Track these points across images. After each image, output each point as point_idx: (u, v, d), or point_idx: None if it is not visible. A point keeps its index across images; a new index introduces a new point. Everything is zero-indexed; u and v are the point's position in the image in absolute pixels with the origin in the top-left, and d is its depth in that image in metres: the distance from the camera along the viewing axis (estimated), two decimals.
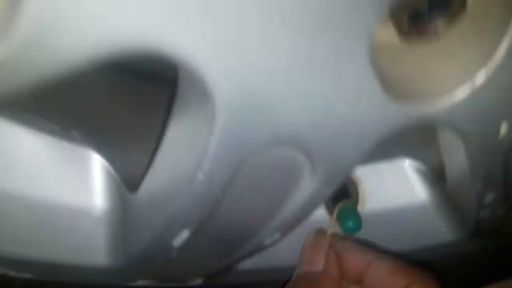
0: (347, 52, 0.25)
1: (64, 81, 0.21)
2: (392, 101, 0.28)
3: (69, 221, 0.38)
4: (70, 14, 0.19)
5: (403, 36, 0.29)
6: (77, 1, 0.19)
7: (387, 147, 0.31)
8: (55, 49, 0.20)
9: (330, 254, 0.41)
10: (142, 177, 0.37)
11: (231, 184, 0.32)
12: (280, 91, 0.26)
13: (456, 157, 0.37)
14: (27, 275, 0.37)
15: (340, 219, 0.45)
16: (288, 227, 0.40)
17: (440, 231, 0.50)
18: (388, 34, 0.30)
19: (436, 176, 0.49)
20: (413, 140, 0.47)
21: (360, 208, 0.49)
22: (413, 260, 0.40)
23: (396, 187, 0.50)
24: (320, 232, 0.44)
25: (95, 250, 0.38)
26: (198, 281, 0.45)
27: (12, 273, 0.36)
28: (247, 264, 0.45)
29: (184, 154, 0.31)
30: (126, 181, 0.39)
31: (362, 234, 0.45)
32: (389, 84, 0.28)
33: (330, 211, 0.47)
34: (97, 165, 0.38)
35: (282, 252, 0.43)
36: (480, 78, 0.28)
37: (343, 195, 0.47)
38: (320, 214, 0.47)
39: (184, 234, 0.35)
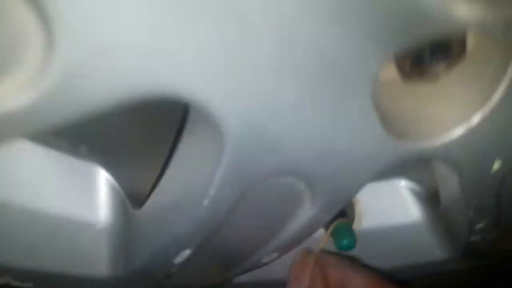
0: (350, 95, 0.26)
1: None
2: (391, 138, 0.29)
3: (73, 233, 0.38)
4: (98, 64, 0.21)
5: (404, 76, 0.30)
6: (105, 52, 0.20)
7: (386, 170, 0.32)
8: (81, 96, 0.21)
9: (316, 271, 0.43)
10: (147, 195, 0.38)
11: (233, 209, 0.33)
12: (286, 129, 0.27)
13: (450, 186, 0.39)
14: (29, 285, 0.37)
15: (336, 236, 0.46)
16: (286, 249, 0.41)
17: (432, 250, 0.51)
18: (390, 73, 0.31)
19: (430, 197, 0.50)
20: (410, 163, 0.48)
21: (356, 225, 0.50)
22: (395, 277, 0.41)
23: (392, 206, 0.50)
24: (306, 250, 0.45)
25: (97, 262, 0.39)
26: None
27: (15, 283, 0.37)
28: (244, 277, 0.46)
29: (190, 180, 0.32)
30: (131, 197, 0.40)
31: (357, 250, 0.46)
32: (389, 122, 0.29)
33: (327, 228, 0.48)
34: (102, 180, 0.39)
35: (278, 266, 0.44)
36: (476, 118, 0.29)
37: (340, 213, 0.48)
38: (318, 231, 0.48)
39: (186, 253, 0.36)
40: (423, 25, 0.23)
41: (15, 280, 0.37)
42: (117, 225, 0.39)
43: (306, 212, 0.36)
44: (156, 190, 0.36)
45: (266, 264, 0.42)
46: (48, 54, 0.20)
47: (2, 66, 0.20)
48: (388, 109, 0.30)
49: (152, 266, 0.38)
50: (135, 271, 0.39)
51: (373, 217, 0.50)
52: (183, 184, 0.33)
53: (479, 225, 0.41)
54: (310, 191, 0.33)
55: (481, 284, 0.60)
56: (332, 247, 0.46)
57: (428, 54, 0.29)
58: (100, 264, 0.39)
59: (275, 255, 0.41)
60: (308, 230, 0.39)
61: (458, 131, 0.30)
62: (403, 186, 0.51)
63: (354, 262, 0.44)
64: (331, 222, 0.46)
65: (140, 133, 0.40)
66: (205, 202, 0.30)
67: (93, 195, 0.39)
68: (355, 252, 0.46)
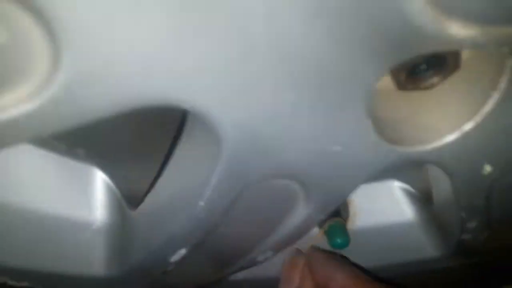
0: (347, 103, 0.27)
1: None
2: (384, 143, 0.30)
3: (70, 233, 0.38)
4: (100, 75, 0.21)
5: (400, 87, 0.31)
6: (107, 64, 0.21)
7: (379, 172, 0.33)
8: (83, 104, 0.22)
9: (305, 272, 0.44)
10: (143, 195, 0.38)
11: (229, 210, 0.33)
12: (281, 136, 0.28)
13: (442, 187, 0.39)
14: (26, 284, 0.38)
15: (329, 235, 0.47)
16: (281, 247, 0.41)
17: (425, 248, 0.51)
18: (384, 81, 0.31)
19: (423, 198, 0.51)
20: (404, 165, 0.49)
21: (350, 225, 0.50)
22: (387, 275, 0.42)
23: (385, 206, 0.51)
24: (297, 251, 0.46)
25: (94, 261, 0.39)
26: None
27: (12, 282, 0.37)
28: (240, 275, 0.46)
29: (187, 181, 0.32)
30: (127, 197, 0.40)
31: (352, 249, 0.47)
32: (383, 128, 0.29)
33: (321, 227, 0.49)
34: (99, 181, 0.39)
35: (274, 264, 0.45)
36: (468, 126, 0.30)
37: (334, 213, 0.48)
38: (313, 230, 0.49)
39: (181, 252, 0.37)
40: (418, 42, 0.24)
41: (12, 279, 0.37)
42: (113, 225, 0.40)
43: (300, 212, 0.36)
44: (153, 191, 0.37)
45: (261, 262, 0.43)
46: (54, 67, 0.20)
47: (9, 77, 0.21)
48: (383, 116, 0.31)
49: (148, 265, 0.38)
50: (132, 270, 0.39)
51: (367, 217, 0.51)
52: (179, 185, 0.34)
53: (471, 225, 0.42)
54: (305, 193, 0.34)
55: (472, 281, 0.60)
56: (326, 246, 0.46)
57: (423, 66, 0.30)
58: (96, 263, 0.40)
59: (270, 253, 0.41)
60: (303, 230, 0.39)
61: (450, 138, 0.31)
62: (396, 186, 0.52)
63: (344, 260, 0.44)
64: (325, 221, 0.47)
65: (137, 135, 0.40)
66: (201, 203, 0.31)
67: (90, 195, 0.39)
68: (349, 250, 0.47)
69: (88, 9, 0.19)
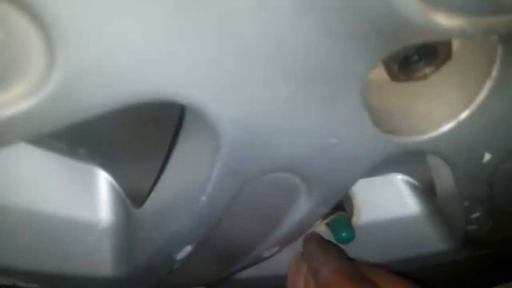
0: (341, 95, 0.27)
1: None
2: (382, 134, 0.30)
3: (75, 234, 0.39)
4: (96, 72, 0.22)
5: (393, 78, 0.31)
6: (103, 61, 0.21)
7: (380, 165, 0.33)
8: (79, 102, 0.22)
9: (308, 276, 0.43)
10: (147, 194, 0.38)
11: (232, 205, 0.34)
12: (279, 129, 0.28)
13: (444, 178, 0.39)
14: (34, 286, 0.38)
15: (334, 230, 0.47)
16: (286, 242, 0.42)
17: (430, 241, 0.51)
18: (379, 72, 0.32)
19: (426, 190, 0.51)
20: (405, 157, 0.49)
21: (355, 220, 0.50)
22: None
23: (389, 200, 0.51)
24: (300, 257, 0.45)
25: (100, 262, 0.40)
26: None
27: (21, 284, 0.37)
28: (248, 272, 0.46)
29: (188, 178, 0.33)
30: (131, 196, 0.40)
31: (357, 244, 0.47)
32: (380, 119, 0.30)
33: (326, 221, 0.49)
34: (102, 181, 0.40)
35: (281, 261, 0.45)
36: (464, 115, 0.30)
37: (338, 208, 0.48)
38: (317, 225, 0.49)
39: (187, 249, 0.37)
40: (406, 33, 0.24)
41: (20, 281, 0.37)
42: (118, 225, 0.40)
43: (303, 206, 0.36)
44: (156, 189, 0.37)
45: (267, 258, 0.43)
46: (49, 65, 0.21)
47: (6, 76, 0.21)
48: (379, 107, 0.31)
49: (155, 263, 0.38)
50: (138, 269, 0.39)
51: (372, 211, 0.51)
52: (181, 182, 0.34)
53: (475, 215, 0.42)
54: (306, 186, 0.34)
55: (478, 275, 0.60)
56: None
57: (415, 57, 0.30)
58: (104, 263, 0.40)
59: (275, 249, 0.42)
60: (307, 223, 0.39)
61: (446, 127, 0.31)
62: (399, 180, 0.52)
63: (335, 252, 0.43)
64: (329, 215, 0.47)
65: (138, 134, 0.40)
66: (203, 198, 0.31)
67: (94, 196, 0.40)
68: (355, 246, 0.47)
69: (81, 7, 0.20)
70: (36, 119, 0.22)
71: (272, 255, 0.43)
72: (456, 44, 0.30)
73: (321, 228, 0.49)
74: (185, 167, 0.33)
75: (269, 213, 0.38)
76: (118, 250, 0.40)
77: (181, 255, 0.37)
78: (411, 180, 0.51)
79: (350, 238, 0.46)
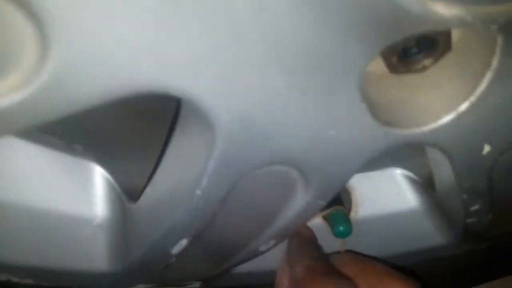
0: (338, 87, 0.26)
1: None
2: (380, 126, 0.30)
3: (71, 229, 0.39)
4: (89, 63, 0.21)
5: (392, 70, 0.31)
6: (96, 52, 0.21)
7: (378, 159, 0.33)
8: (73, 93, 0.22)
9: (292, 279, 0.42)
10: (142, 188, 0.38)
11: (228, 198, 0.33)
12: (276, 121, 0.28)
13: (443, 171, 0.39)
14: (29, 281, 0.38)
15: (332, 224, 0.47)
16: (283, 236, 0.41)
17: (430, 235, 0.51)
18: (377, 64, 0.31)
19: (425, 184, 0.50)
20: (404, 151, 0.49)
21: (353, 214, 0.50)
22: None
23: (388, 194, 0.51)
24: (283, 261, 0.45)
25: (96, 257, 0.40)
26: (196, 285, 0.46)
27: (15, 279, 0.37)
28: (245, 267, 0.46)
29: (183, 171, 0.32)
30: (127, 191, 0.40)
31: (356, 239, 0.46)
32: (378, 110, 0.29)
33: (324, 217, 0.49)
34: (98, 176, 0.40)
35: (278, 255, 0.45)
36: (464, 106, 0.30)
37: (336, 202, 0.48)
38: (315, 220, 0.49)
39: (183, 243, 0.37)
40: (405, 23, 0.24)
41: (14, 276, 0.37)
42: (114, 220, 0.40)
43: (300, 199, 0.36)
44: (151, 183, 0.37)
45: (264, 252, 0.43)
46: (42, 56, 0.20)
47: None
48: (378, 99, 0.31)
49: (151, 258, 0.38)
50: (134, 264, 0.39)
51: (370, 206, 0.51)
52: (176, 176, 0.34)
53: (474, 207, 0.42)
54: (303, 179, 0.34)
55: (478, 269, 0.60)
56: (329, 235, 0.46)
57: (414, 49, 0.30)
58: (99, 259, 0.40)
59: (272, 242, 0.41)
60: (304, 217, 0.39)
61: (446, 119, 0.31)
62: (398, 174, 0.51)
63: (313, 249, 0.43)
64: (326, 209, 0.47)
65: (134, 129, 0.40)
66: (198, 192, 0.31)
67: (89, 191, 0.39)
68: (353, 241, 0.47)
69: None
70: (30, 110, 0.22)
71: (269, 249, 0.42)
72: (455, 35, 0.30)
73: (319, 222, 0.49)
74: (180, 161, 0.33)
75: (265, 206, 0.37)
76: (114, 245, 0.40)
77: (176, 249, 0.37)
78: (410, 174, 0.51)
79: (347, 232, 0.46)
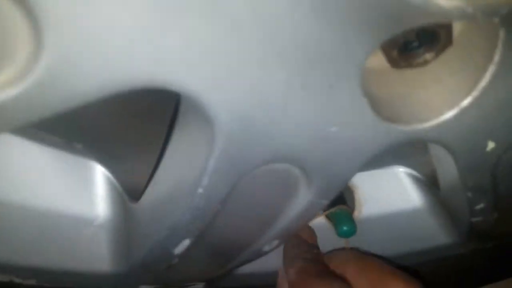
0: (339, 82, 0.26)
1: None
2: (382, 122, 0.29)
3: (72, 229, 0.39)
4: (85, 57, 0.21)
5: (393, 64, 0.31)
6: (91, 46, 0.21)
7: (382, 157, 0.33)
8: (69, 88, 0.22)
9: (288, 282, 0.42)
10: (143, 188, 0.38)
11: (229, 197, 0.33)
12: (276, 117, 0.27)
13: (447, 169, 0.39)
14: (32, 282, 0.38)
15: (335, 223, 0.46)
16: (286, 236, 0.41)
17: (435, 234, 0.51)
18: (378, 59, 0.31)
19: (429, 183, 0.50)
20: (407, 149, 0.48)
21: (356, 213, 0.50)
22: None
23: (391, 193, 0.51)
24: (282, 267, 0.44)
25: (98, 257, 0.40)
26: (199, 286, 0.46)
27: (17, 280, 0.37)
28: (248, 268, 0.46)
29: (184, 170, 0.32)
30: (128, 190, 0.40)
31: (360, 238, 0.46)
32: (380, 107, 0.29)
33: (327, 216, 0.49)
34: (99, 175, 0.40)
35: (281, 256, 0.44)
36: (466, 102, 0.30)
37: (340, 201, 0.48)
38: (318, 219, 0.48)
39: (185, 243, 0.36)
40: (406, 15, 0.23)
41: (17, 277, 0.37)
42: (116, 220, 0.40)
43: (303, 198, 0.36)
44: (152, 182, 0.37)
45: (267, 252, 0.42)
46: (37, 50, 0.20)
47: None
48: (379, 94, 0.30)
49: (153, 258, 0.38)
50: (136, 264, 0.39)
51: (374, 205, 0.50)
52: (177, 175, 0.34)
53: (479, 206, 0.41)
54: (305, 177, 0.34)
55: (484, 269, 0.60)
56: (334, 235, 0.46)
57: (415, 43, 0.30)
58: (101, 259, 0.40)
59: (275, 242, 0.41)
60: (307, 216, 0.39)
61: (448, 115, 0.31)
62: (402, 172, 0.51)
63: (306, 250, 0.42)
64: (330, 209, 0.47)
65: (134, 127, 0.40)
66: (200, 190, 0.31)
67: (90, 190, 0.39)
68: (358, 240, 0.46)
69: None
70: (25, 106, 0.22)
71: (272, 249, 0.42)
72: (456, 29, 0.30)
73: (322, 222, 0.48)
74: (181, 159, 0.33)
75: (268, 205, 0.37)
76: (116, 245, 0.40)
77: (179, 249, 0.37)
78: (414, 172, 0.51)
79: (351, 232, 0.45)
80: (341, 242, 0.46)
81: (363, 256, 0.41)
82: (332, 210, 0.46)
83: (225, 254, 0.43)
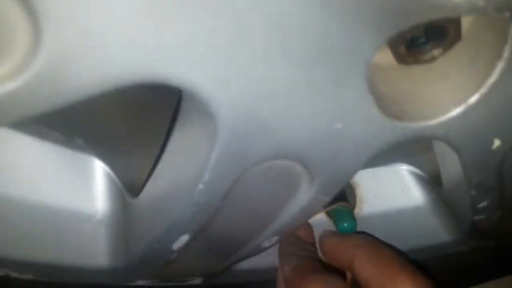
0: (345, 78, 0.26)
1: None
2: (388, 119, 0.29)
3: (71, 224, 0.38)
4: (84, 51, 0.21)
5: (400, 60, 0.30)
6: (91, 40, 0.20)
7: (384, 154, 0.32)
8: (68, 82, 0.21)
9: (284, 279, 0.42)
10: (143, 183, 0.38)
11: (230, 193, 0.33)
12: (280, 113, 0.27)
13: (451, 166, 0.38)
14: (29, 276, 0.38)
15: (336, 220, 0.46)
16: (286, 232, 0.41)
17: (437, 232, 0.51)
18: (385, 56, 0.30)
19: (432, 180, 0.50)
20: (410, 147, 0.48)
21: (357, 210, 0.50)
22: None
23: (393, 191, 0.50)
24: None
25: (96, 252, 0.39)
26: (198, 281, 0.46)
27: (14, 274, 0.37)
28: (247, 263, 0.46)
29: (185, 165, 0.32)
30: (128, 186, 0.40)
31: None
32: (385, 103, 0.28)
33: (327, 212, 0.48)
34: (99, 171, 0.39)
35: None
36: (474, 98, 0.29)
37: (340, 198, 0.47)
38: (319, 216, 0.48)
39: (184, 238, 0.36)
40: (414, 9, 0.23)
41: (13, 272, 0.37)
42: (115, 215, 0.40)
43: (304, 195, 0.35)
44: (152, 178, 0.36)
45: (266, 248, 0.42)
46: (35, 43, 0.20)
47: None
48: (385, 91, 0.30)
49: (152, 253, 0.38)
50: (135, 259, 0.39)
51: (375, 202, 0.50)
52: (178, 170, 0.33)
53: (482, 204, 0.41)
54: (307, 174, 0.33)
55: (486, 266, 0.60)
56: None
57: (423, 39, 0.29)
58: (99, 254, 0.40)
59: (275, 239, 0.41)
60: (308, 213, 0.38)
61: (455, 112, 0.30)
62: (404, 170, 0.51)
63: (301, 246, 0.42)
64: (331, 205, 0.46)
65: (135, 122, 0.40)
66: (201, 186, 0.30)
67: (90, 186, 0.39)
68: None
69: None
70: (23, 100, 0.21)
71: (272, 245, 0.42)
72: (465, 24, 0.29)
73: (323, 219, 0.48)
74: (181, 154, 0.33)
75: (269, 201, 0.37)
76: (115, 241, 0.40)
77: (177, 245, 0.36)
78: (417, 170, 0.51)
79: (352, 229, 0.45)
80: None
81: (375, 242, 0.40)
82: (333, 206, 0.45)
83: (224, 250, 0.42)
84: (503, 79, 0.28)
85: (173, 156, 0.33)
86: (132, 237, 0.38)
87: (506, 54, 0.27)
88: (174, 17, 0.21)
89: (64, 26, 0.20)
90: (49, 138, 0.37)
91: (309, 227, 0.45)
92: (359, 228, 0.45)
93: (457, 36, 0.28)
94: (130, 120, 0.39)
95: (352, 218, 0.45)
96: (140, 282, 0.43)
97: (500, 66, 0.28)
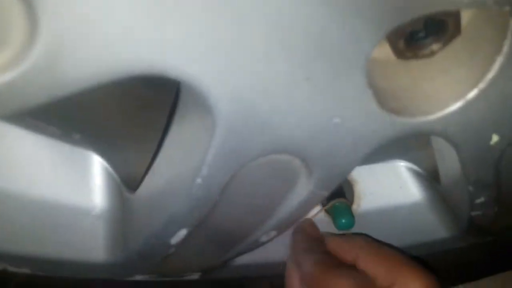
0: (343, 73, 0.26)
1: None
2: (386, 114, 0.29)
3: (69, 219, 0.38)
4: (81, 43, 0.21)
5: (399, 55, 0.30)
6: (88, 32, 0.20)
7: (382, 151, 0.32)
8: (65, 74, 0.21)
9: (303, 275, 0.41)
10: (141, 177, 0.38)
11: (228, 187, 0.33)
12: (279, 108, 0.27)
13: (449, 162, 0.38)
14: (26, 271, 0.38)
15: (334, 216, 0.46)
16: (284, 227, 0.41)
17: (434, 228, 0.51)
18: (384, 51, 0.30)
19: (430, 177, 0.50)
20: (408, 143, 0.48)
21: (355, 207, 0.49)
22: None
23: (391, 187, 0.50)
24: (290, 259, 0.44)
25: (94, 247, 0.39)
26: (195, 276, 0.46)
27: (11, 269, 0.37)
28: (244, 258, 0.45)
29: (183, 160, 0.32)
30: (126, 181, 0.40)
31: (359, 231, 0.45)
32: (384, 98, 0.28)
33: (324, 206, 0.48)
34: (97, 165, 0.39)
35: (278, 247, 0.44)
36: (472, 94, 0.29)
37: (339, 194, 0.47)
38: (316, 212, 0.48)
39: (182, 233, 0.36)
40: (414, 2, 0.23)
41: (11, 266, 0.37)
42: (113, 210, 0.39)
43: (302, 189, 0.35)
44: (150, 172, 0.36)
45: (265, 243, 0.42)
46: (32, 34, 0.20)
47: None
48: (384, 86, 0.30)
49: (150, 248, 0.38)
50: (133, 254, 0.39)
51: (373, 199, 0.50)
52: (176, 164, 0.33)
53: (480, 200, 0.41)
54: (306, 168, 0.33)
55: (483, 262, 0.60)
56: (332, 228, 0.46)
57: (422, 33, 0.29)
58: (97, 249, 0.39)
59: (273, 233, 0.41)
60: (306, 208, 0.38)
61: (453, 107, 0.30)
62: (402, 166, 0.51)
63: (316, 243, 0.42)
64: (329, 202, 0.46)
65: (133, 117, 0.40)
66: (199, 180, 0.30)
67: (88, 180, 0.39)
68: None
69: None
70: (20, 91, 0.21)
71: (270, 240, 0.42)
72: (465, 18, 0.29)
73: (321, 216, 0.48)
74: (180, 149, 0.33)
75: (267, 196, 0.37)
76: (112, 235, 0.39)
77: (175, 240, 0.36)
78: (414, 167, 0.51)
79: (350, 225, 0.45)
80: None
81: (376, 243, 0.40)
82: (331, 203, 0.45)
83: (222, 245, 0.42)
84: (502, 74, 0.28)
85: (171, 151, 0.33)
86: (130, 232, 0.38)
87: (505, 49, 0.27)
88: (174, 11, 0.21)
89: (61, 18, 0.20)
90: (47, 133, 0.37)
91: (314, 224, 0.45)
92: (357, 224, 0.46)
93: (457, 31, 0.28)
94: (128, 115, 0.39)
95: (350, 214, 0.45)
96: (138, 277, 0.43)
97: (499, 61, 0.28)
